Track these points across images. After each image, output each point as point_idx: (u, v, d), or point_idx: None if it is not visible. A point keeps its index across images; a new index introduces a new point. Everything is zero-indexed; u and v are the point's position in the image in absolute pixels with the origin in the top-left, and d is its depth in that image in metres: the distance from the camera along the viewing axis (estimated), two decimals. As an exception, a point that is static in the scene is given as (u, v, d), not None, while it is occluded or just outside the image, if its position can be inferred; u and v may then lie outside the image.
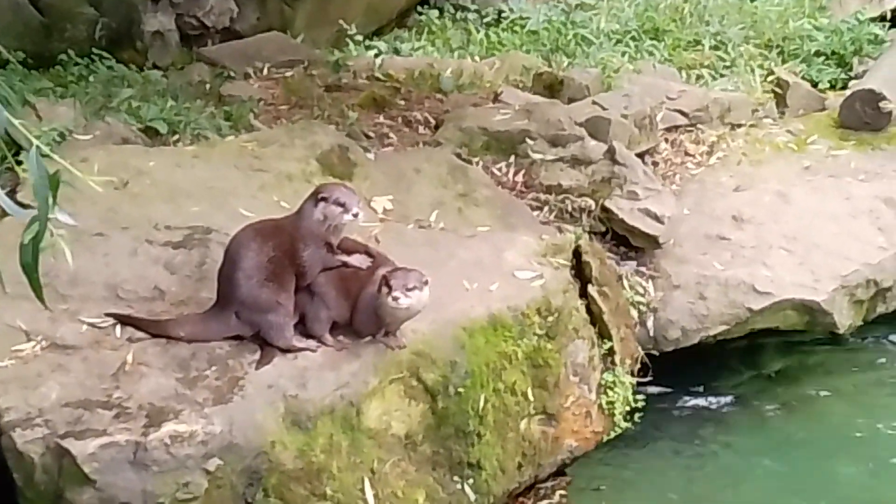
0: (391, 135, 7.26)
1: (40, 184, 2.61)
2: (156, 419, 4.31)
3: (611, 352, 5.85)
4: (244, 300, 4.68)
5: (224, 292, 4.74)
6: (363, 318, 4.79)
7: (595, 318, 5.81)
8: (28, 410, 4.31)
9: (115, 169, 5.70)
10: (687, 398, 6.48)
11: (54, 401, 4.35)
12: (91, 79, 8.14)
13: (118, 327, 4.74)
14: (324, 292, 4.78)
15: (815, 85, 9.08)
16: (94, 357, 4.59)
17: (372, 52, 9.07)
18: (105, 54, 8.63)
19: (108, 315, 4.78)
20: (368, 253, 4.88)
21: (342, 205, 4.74)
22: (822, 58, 9.50)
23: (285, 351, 4.69)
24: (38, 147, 2.64)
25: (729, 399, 6.52)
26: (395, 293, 4.60)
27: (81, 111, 6.85)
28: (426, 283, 4.68)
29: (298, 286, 4.75)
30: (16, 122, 2.70)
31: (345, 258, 4.81)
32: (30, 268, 2.71)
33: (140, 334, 4.73)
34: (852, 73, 9.27)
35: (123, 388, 4.44)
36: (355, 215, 4.77)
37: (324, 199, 4.76)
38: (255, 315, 4.67)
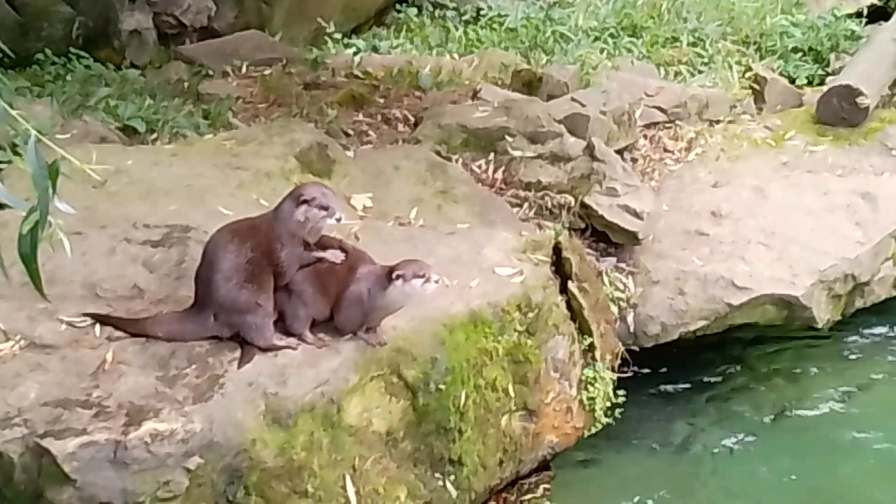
0: (370, 132, 7.26)
1: (39, 174, 2.60)
2: (136, 418, 4.28)
3: (591, 347, 5.87)
4: (223, 302, 4.64)
5: (202, 294, 4.71)
6: (347, 315, 4.78)
7: (575, 313, 5.82)
8: (7, 410, 4.28)
9: (98, 167, 5.66)
10: (667, 393, 6.50)
11: (33, 400, 4.32)
12: (68, 78, 8.12)
13: (97, 326, 4.72)
14: (301, 290, 4.76)
15: (792, 81, 9.14)
16: (73, 356, 4.56)
17: (350, 50, 9.08)
18: (82, 53, 8.61)
19: (85, 315, 4.76)
20: (343, 248, 4.86)
21: (325, 208, 4.71)
22: (800, 54, 9.57)
23: (266, 350, 4.68)
24: (35, 137, 2.63)
25: (709, 393, 6.54)
26: (432, 278, 4.68)
27: (59, 110, 6.84)
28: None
29: (277, 285, 4.72)
30: (13, 112, 2.69)
31: (320, 254, 4.78)
32: (28, 258, 2.70)
33: (120, 333, 4.71)
34: (829, 69, 9.34)
35: (103, 387, 4.42)
36: (338, 220, 4.76)
37: (306, 201, 4.71)
38: (235, 317, 4.65)
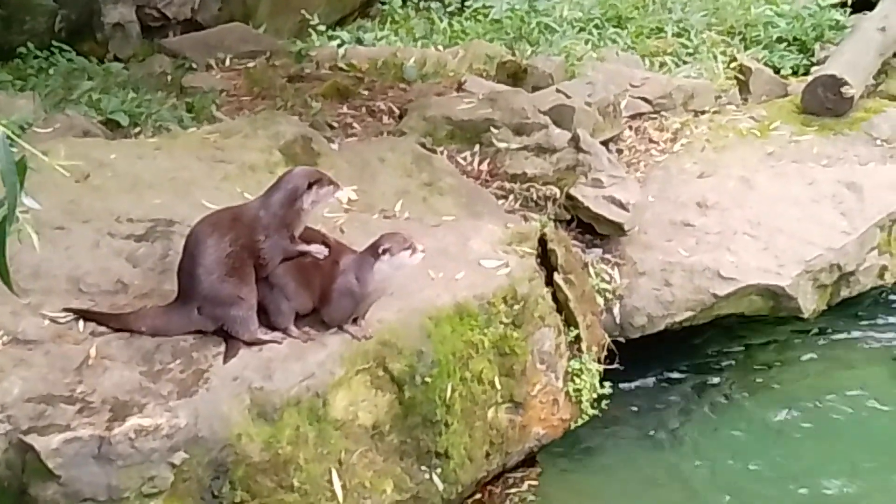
0: (355, 125, 7.24)
1: (8, 170, 2.58)
2: (120, 413, 4.27)
3: (577, 339, 5.86)
4: (206, 296, 4.63)
5: (185, 288, 4.69)
6: (337, 307, 4.77)
7: (561, 305, 5.82)
8: (-10, 406, 4.27)
9: (76, 161, 5.63)
10: (654, 384, 6.50)
11: (17, 396, 4.30)
12: (51, 71, 8.10)
13: (81, 321, 4.70)
14: (283, 283, 4.74)
15: (777, 71, 9.14)
16: (57, 351, 4.54)
17: (335, 42, 9.04)
18: (65, 46, 8.58)
19: (66, 310, 4.73)
20: (325, 242, 4.85)
21: (333, 183, 4.78)
22: (784, 44, 9.57)
23: (251, 344, 4.66)
24: (4, 133, 2.61)
25: (696, 384, 6.54)
26: (418, 248, 4.68)
27: (41, 104, 6.81)
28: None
29: (258, 277, 4.71)
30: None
31: (304, 247, 4.77)
32: None
33: (103, 328, 4.69)
34: (814, 59, 9.33)
35: (87, 383, 4.40)
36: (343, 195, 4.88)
37: (314, 183, 4.74)
38: (218, 310, 4.63)
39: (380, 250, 4.70)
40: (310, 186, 4.73)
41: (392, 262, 4.70)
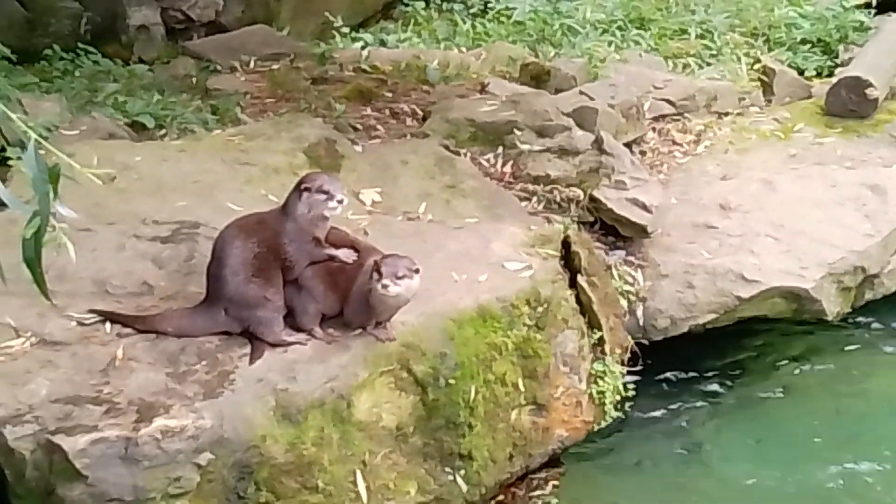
0: (378, 127, 7.25)
1: (40, 178, 2.60)
2: (146, 414, 4.30)
3: (600, 341, 5.86)
4: (232, 297, 4.67)
5: (212, 290, 4.75)
6: (355, 308, 4.79)
7: (584, 308, 5.81)
8: (18, 407, 4.30)
9: (101, 164, 5.67)
10: (677, 386, 6.49)
11: (44, 397, 4.34)
12: (76, 73, 8.15)
13: (107, 322, 4.73)
14: (311, 286, 4.78)
15: (800, 73, 9.10)
16: (84, 353, 4.58)
17: (358, 44, 9.06)
18: (90, 49, 8.63)
19: (92, 312, 4.76)
20: (355, 247, 4.87)
21: (325, 192, 4.74)
22: (808, 45, 9.52)
23: (275, 345, 4.69)
24: (35, 141, 2.62)
25: (719, 386, 6.53)
26: (384, 281, 4.59)
27: (67, 106, 6.85)
28: (416, 270, 4.68)
29: (285, 280, 4.74)
30: (13, 116, 2.69)
31: (332, 252, 4.80)
32: (33, 263, 2.71)
33: (129, 329, 4.72)
34: (838, 61, 9.29)
35: (113, 384, 4.44)
36: (340, 202, 4.76)
37: (307, 188, 4.76)
38: (244, 311, 4.67)
39: (374, 270, 4.65)
40: (302, 192, 4.75)
41: (377, 286, 4.60)
